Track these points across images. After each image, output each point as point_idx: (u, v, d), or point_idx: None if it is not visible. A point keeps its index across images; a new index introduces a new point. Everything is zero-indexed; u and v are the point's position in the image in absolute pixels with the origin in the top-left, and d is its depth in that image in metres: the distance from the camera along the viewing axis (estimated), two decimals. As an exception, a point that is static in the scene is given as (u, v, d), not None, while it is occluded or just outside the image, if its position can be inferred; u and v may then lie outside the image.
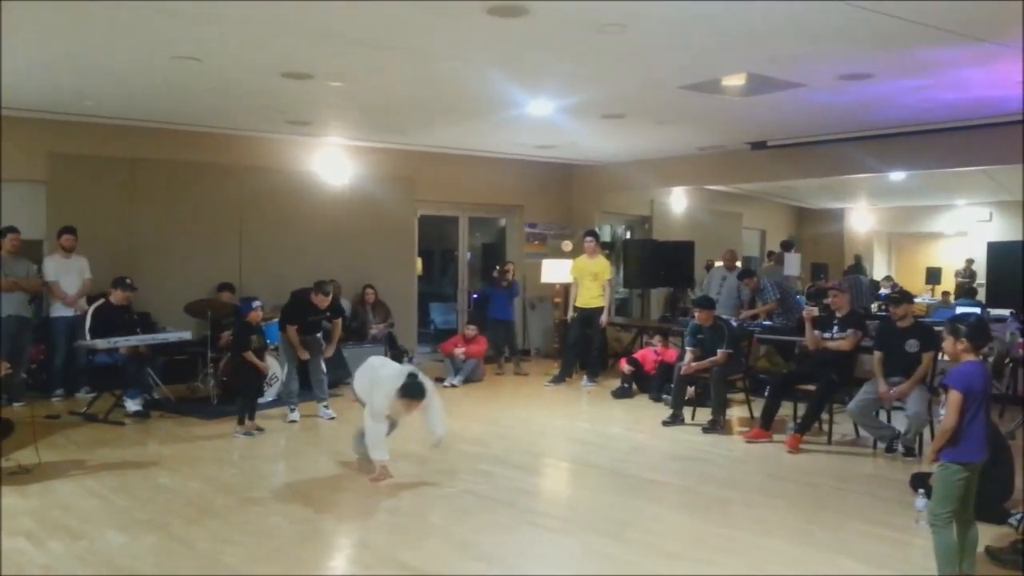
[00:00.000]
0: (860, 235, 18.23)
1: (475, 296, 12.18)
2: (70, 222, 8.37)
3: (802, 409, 6.82)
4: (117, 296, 7.74)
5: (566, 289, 10.50)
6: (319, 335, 7.71)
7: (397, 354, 9.61)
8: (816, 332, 6.97)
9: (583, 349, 9.86)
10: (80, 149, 8.91)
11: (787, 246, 13.89)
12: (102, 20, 5.35)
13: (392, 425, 5.71)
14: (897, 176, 11.63)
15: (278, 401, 8.02)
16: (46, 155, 8.73)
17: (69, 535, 4.45)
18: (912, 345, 6.31)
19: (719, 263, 11.21)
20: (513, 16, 5.03)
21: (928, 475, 4.17)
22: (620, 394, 9.03)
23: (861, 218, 18.29)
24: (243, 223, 9.88)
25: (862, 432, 6.77)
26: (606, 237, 13.45)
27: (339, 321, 7.86)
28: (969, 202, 16.13)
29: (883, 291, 12.72)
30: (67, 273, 8.28)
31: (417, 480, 5.54)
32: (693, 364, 7.54)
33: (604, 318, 9.68)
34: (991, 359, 7.04)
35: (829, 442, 6.81)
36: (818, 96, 7.34)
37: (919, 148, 9.24)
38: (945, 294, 14.92)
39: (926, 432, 6.26)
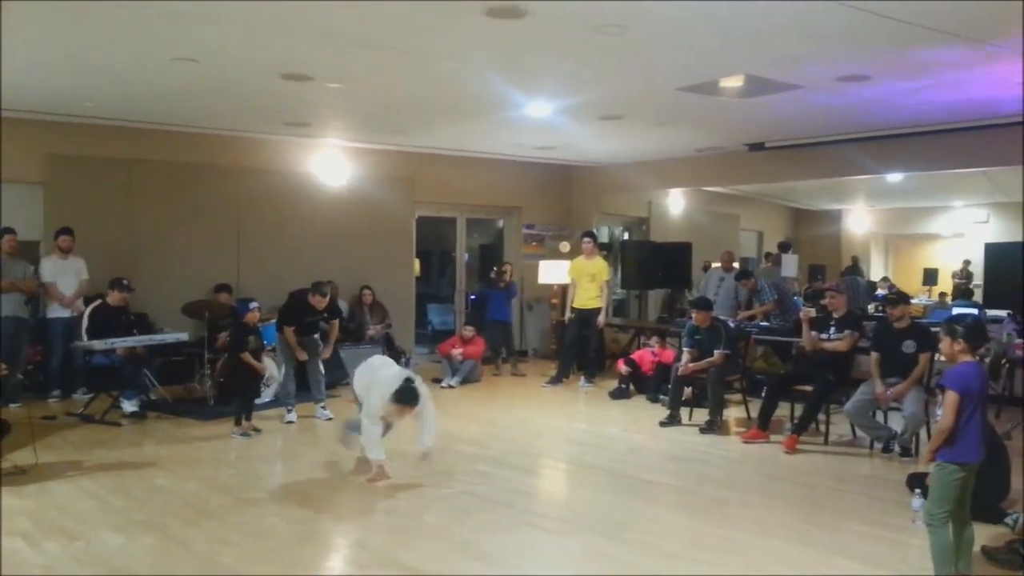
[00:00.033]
0: (857, 236, 18.26)
1: (473, 297, 12.19)
2: (67, 223, 8.36)
3: (799, 410, 6.83)
4: (114, 297, 7.74)
5: (564, 290, 10.51)
6: (317, 336, 7.71)
7: (394, 355, 9.57)
8: (813, 333, 6.98)
9: (580, 350, 9.86)
10: (78, 150, 8.90)
11: (784, 247, 13.90)
12: (102, 20, 5.35)
13: (387, 426, 5.70)
14: (894, 177, 11.64)
15: (275, 402, 8.01)
16: (43, 156, 8.72)
17: (66, 536, 4.45)
18: (909, 346, 6.32)
19: (716, 264, 11.23)
20: (512, 17, 5.03)
21: (925, 475, 4.17)
22: (617, 395, 9.03)
23: (858, 219, 18.31)
24: (241, 224, 9.88)
25: (859, 432, 6.77)
26: (604, 238, 13.47)
27: (336, 322, 7.86)
28: (966, 203, 16.16)
29: (880, 292, 12.75)
30: (64, 274, 8.27)
31: (414, 481, 5.53)
32: (690, 365, 7.55)
33: (602, 319, 9.69)
34: (988, 360, 7.04)
35: (826, 443, 6.82)
36: (816, 97, 7.35)
37: (917, 149, 9.26)
38: (942, 295, 14.95)
39: (923, 432, 6.26)
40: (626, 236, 14.22)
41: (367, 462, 5.59)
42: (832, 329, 6.90)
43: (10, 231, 7.98)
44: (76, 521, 4.70)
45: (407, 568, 4.07)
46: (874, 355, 6.48)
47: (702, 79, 6.74)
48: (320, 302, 7.41)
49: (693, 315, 7.73)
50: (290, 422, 7.46)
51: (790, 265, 12.93)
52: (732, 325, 8.44)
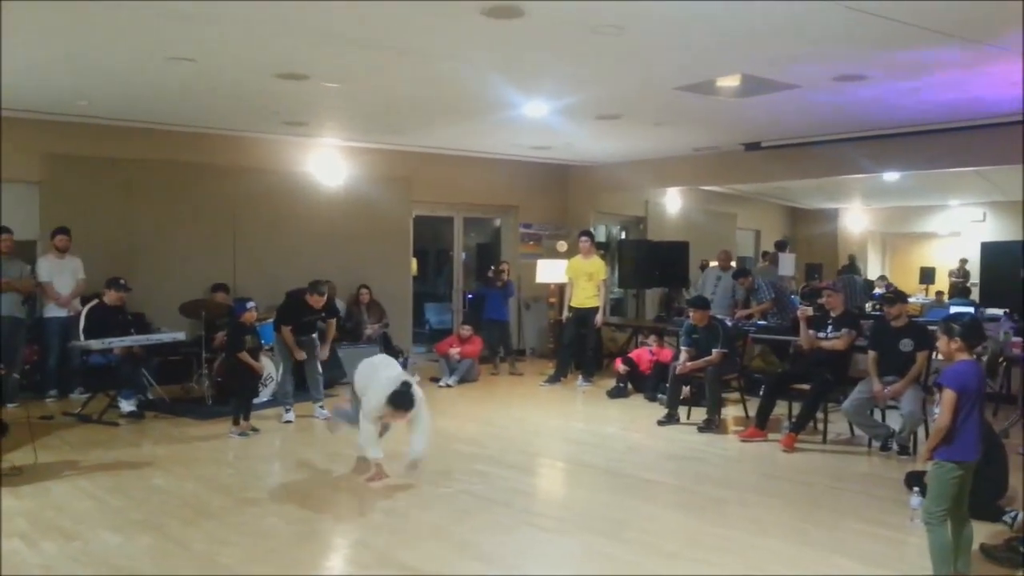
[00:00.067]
0: (854, 235, 18.28)
1: (470, 296, 12.18)
2: (64, 223, 8.34)
3: (797, 408, 6.84)
4: (111, 297, 7.72)
5: (561, 289, 10.51)
6: (315, 335, 7.71)
7: (392, 354, 9.54)
8: (811, 332, 6.99)
9: (578, 349, 9.87)
10: (74, 150, 8.88)
11: (781, 246, 13.94)
12: (101, 20, 5.34)
13: (385, 426, 5.69)
14: (891, 176, 11.66)
15: (273, 401, 8.00)
16: (40, 156, 8.70)
17: (63, 536, 4.44)
18: (906, 344, 6.33)
19: (714, 263, 11.24)
20: (509, 17, 5.03)
21: (923, 474, 4.18)
22: (615, 394, 9.04)
23: (855, 218, 18.33)
24: (238, 224, 9.86)
25: (857, 431, 6.78)
26: (601, 237, 13.49)
27: (333, 321, 7.86)
28: (963, 202, 16.18)
29: (877, 291, 12.75)
30: (61, 274, 8.25)
31: (413, 480, 5.53)
32: (688, 364, 7.56)
33: (599, 318, 9.69)
34: (985, 358, 7.05)
35: (824, 441, 6.83)
36: (813, 97, 7.36)
37: (913, 149, 9.27)
38: (939, 294, 14.98)
39: (920, 431, 6.27)
40: (623, 235, 14.22)
41: (367, 461, 5.59)
42: (829, 328, 6.91)
43: (6, 231, 7.96)
44: (74, 521, 4.69)
45: (407, 568, 4.07)
46: (871, 354, 6.49)
47: (699, 79, 6.74)
48: (318, 301, 7.41)
49: (691, 314, 7.73)
50: (288, 422, 7.45)
51: (787, 264, 12.96)
52: (730, 324, 8.46)
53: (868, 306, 11.88)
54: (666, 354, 9.03)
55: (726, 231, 15.44)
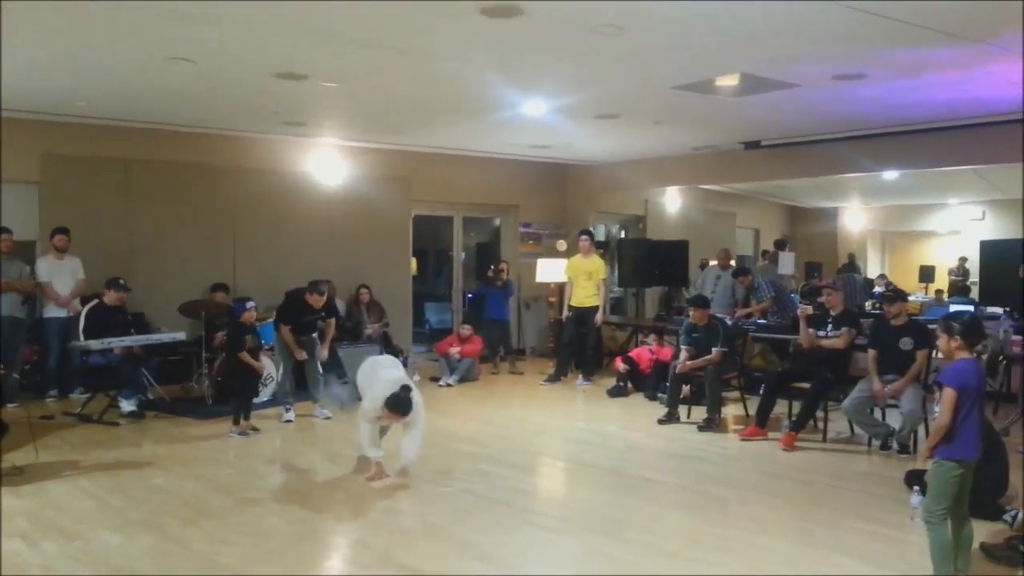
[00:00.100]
0: (854, 234, 18.29)
1: (470, 296, 12.19)
2: (63, 223, 8.34)
3: (797, 407, 6.85)
4: (111, 297, 7.72)
5: (561, 288, 10.51)
6: (315, 335, 7.70)
7: (392, 354, 9.58)
8: (810, 330, 6.99)
9: (578, 348, 9.87)
10: (73, 150, 8.88)
11: (781, 245, 13.93)
12: (101, 20, 5.34)
13: (384, 427, 5.68)
14: (890, 175, 11.67)
15: (273, 401, 8.01)
16: (39, 156, 8.69)
17: (64, 536, 4.44)
18: (906, 343, 6.33)
19: (713, 262, 11.24)
20: (507, 16, 5.03)
21: (923, 472, 4.18)
22: (615, 393, 9.04)
23: (855, 217, 18.34)
24: (237, 223, 9.86)
25: (857, 430, 6.79)
26: (601, 236, 13.49)
27: (333, 321, 7.86)
28: (962, 201, 16.19)
29: (877, 289, 12.77)
30: (60, 274, 8.25)
31: (413, 480, 5.53)
32: (688, 363, 7.56)
33: (599, 317, 9.69)
34: (985, 356, 7.06)
35: (824, 440, 6.83)
36: (812, 96, 7.36)
37: (913, 147, 9.27)
38: (939, 292, 14.98)
39: (920, 429, 6.27)
40: (623, 234, 14.23)
41: (367, 461, 5.60)
42: (829, 326, 6.91)
43: (6, 231, 7.96)
44: (74, 521, 4.69)
45: (407, 568, 4.07)
46: (871, 352, 6.49)
47: (698, 78, 6.74)
48: (317, 301, 7.41)
49: (691, 313, 7.74)
50: (288, 421, 7.45)
51: (787, 263, 12.96)
52: (729, 323, 8.46)
53: (868, 305, 11.89)
54: (666, 353, 9.03)
55: (726, 230, 15.45)
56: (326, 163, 10.49)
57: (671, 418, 7.59)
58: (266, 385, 8.08)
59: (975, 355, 3.89)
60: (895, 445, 6.41)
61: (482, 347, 10.27)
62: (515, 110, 8.07)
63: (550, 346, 11.92)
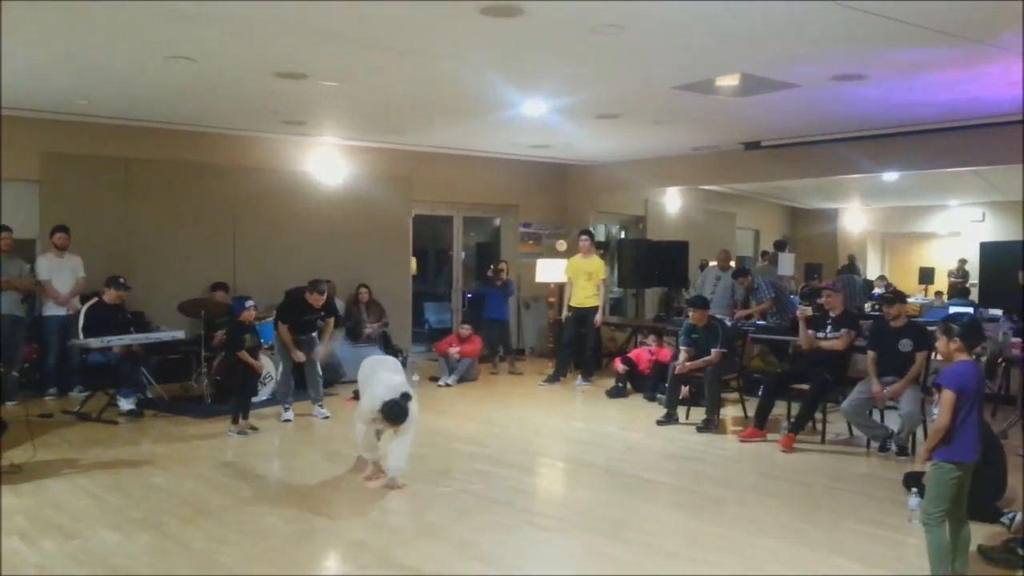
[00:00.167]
0: (853, 235, 18.29)
1: (470, 296, 12.19)
2: (63, 221, 8.34)
3: (796, 408, 6.85)
4: (110, 295, 7.73)
5: (561, 289, 10.51)
6: (315, 335, 7.71)
7: (391, 353, 9.59)
8: (810, 332, 6.99)
9: (577, 348, 9.87)
10: (74, 148, 8.88)
11: (781, 246, 13.94)
12: (101, 20, 5.34)
13: (379, 430, 5.66)
14: (890, 176, 11.67)
15: (272, 400, 8.01)
16: (40, 154, 8.69)
17: (62, 534, 4.44)
18: (905, 345, 6.33)
19: (713, 263, 11.24)
20: (507, 16, 5.03)
21: (921, 474, 4.19)
22: (614, 393, 9.04)
23: (854, 218, 18.34)
24: (237, 222, 9.86)
25: (855, 431, 6.78)
26: (600, 237, 13.49)
27: (331, 320, 7.86)
28: (962, 202, 16.19)
29: (876, 291, 12.77)
30: (60, 272, 8.25)
31: (412, 480, 5.53)
32: (687, 363, 7.56)
33: (599, 317, 9.69)
34: (984, 359, 7.06)
35: (823, 441, 6.83)
36: (812, 96, 7.36)
37: (913, 148, 9.27)
38: (938, 294, 14.98)
39: (919, 431, 6.27)
40: (623, 234, 14.23)
41: (366, 460, 5.59)
42: (829, 328, 6.91)
43: (6, 229, 7.96)
44: (73, 519, 4.69)
45: (406, 568, 4.07)
46: (871, 354, 6.49)
47: (698, 78, 6.74)
48: (317, 300, 7.42)
49: (690, 314, 7.74)
50: (287, 420, 7.45)
51: (786, 264, 12.96)
52: (729, 324, 8.46)
53: (867, 306, 11.88)
54: (665, 354, 9.03)
55: (725, 231, 15.45)
56: (326, 162, 10.49)
57: (670, 419, 7.59)
58: (265, 384, 8.09)
59: (974, 357, 3.89)
60: (894, 447, 6.41)
61: (481, 347, 10.27)
62: (515, 110, 8.07)
63: (549, 346, 11.92)
